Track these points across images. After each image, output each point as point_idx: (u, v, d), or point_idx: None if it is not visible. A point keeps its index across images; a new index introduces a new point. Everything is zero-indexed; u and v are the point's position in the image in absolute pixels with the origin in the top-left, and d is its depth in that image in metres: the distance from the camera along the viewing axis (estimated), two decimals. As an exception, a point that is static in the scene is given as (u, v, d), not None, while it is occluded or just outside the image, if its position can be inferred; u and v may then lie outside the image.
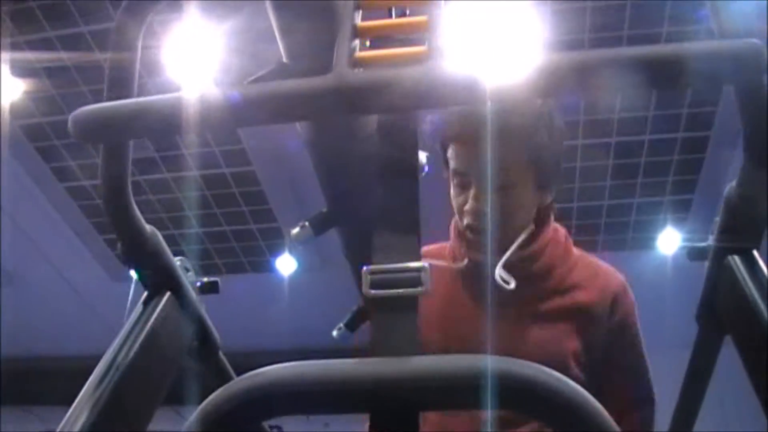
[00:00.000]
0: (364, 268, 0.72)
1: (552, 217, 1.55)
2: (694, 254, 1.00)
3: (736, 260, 0.91)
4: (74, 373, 1.67)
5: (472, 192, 1.43)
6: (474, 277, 1.51)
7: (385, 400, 0.63)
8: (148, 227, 1.06)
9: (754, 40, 0.69)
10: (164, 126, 0.87)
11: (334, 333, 1.49)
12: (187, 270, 1.16)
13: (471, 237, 1.48)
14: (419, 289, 0.71)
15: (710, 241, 0.96)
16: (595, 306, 1.51)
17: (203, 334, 1.17)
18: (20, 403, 8.39)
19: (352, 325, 1.51)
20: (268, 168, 7.02)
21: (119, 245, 1.06)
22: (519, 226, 1.49)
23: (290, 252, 7.38)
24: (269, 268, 7.81)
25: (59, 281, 8.12)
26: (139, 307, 1.06)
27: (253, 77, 1.43)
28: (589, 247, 6.90)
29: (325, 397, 0.64)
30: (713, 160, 6.14)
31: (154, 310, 1.05)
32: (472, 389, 0.61)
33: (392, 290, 0.71)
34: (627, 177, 6.55)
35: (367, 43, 0.88)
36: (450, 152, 1.48)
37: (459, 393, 0.62)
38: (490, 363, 0.61)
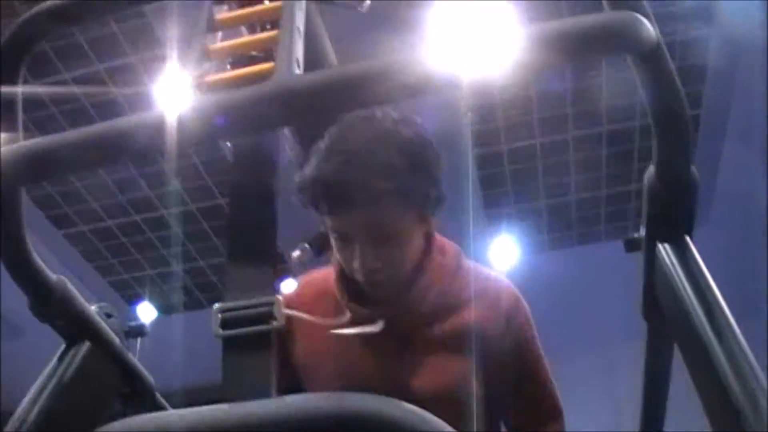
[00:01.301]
0: (215, 306, 0.67)
1: (434, 241, 1.45)
2: (631, 246, 0.94)
3: (666, 249, 0.84)
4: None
5: (357, 252, 1.33)
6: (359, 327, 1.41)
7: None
8: (55, 276, 1.03)
9: (632, 13, 0.64)
10: (48, 168, 0.82)
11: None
12: (109, 316, 1.12)
13: (366, 287, 1.40)
14: (272, 324, 0.66)
15: (642, 231, 0.90)
16: (486, 323, 1.42)
17: (133, 380, 1.13)
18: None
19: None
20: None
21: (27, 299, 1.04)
22: (412, 265, 1.40)
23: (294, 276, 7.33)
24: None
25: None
26: (54, 360, 1.02)
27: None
28: (589, 237, 6.92)
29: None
30: (704, 147, 6.06)
31: (71, 362, 1.01)
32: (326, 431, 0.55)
33: (243, 329, 0.66)
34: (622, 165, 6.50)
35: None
36: (323, 213, 1.38)
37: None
38: (343, 402, 0.55)
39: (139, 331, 1.16)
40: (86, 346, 1.03)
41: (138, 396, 1.15)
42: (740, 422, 0.67)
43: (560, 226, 7.34)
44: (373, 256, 1.33)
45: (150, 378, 1.17)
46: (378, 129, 1.31)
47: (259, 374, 0.64)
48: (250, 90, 0.62)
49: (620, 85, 5.70)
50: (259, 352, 0.65)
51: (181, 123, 0.62)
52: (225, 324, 0.67)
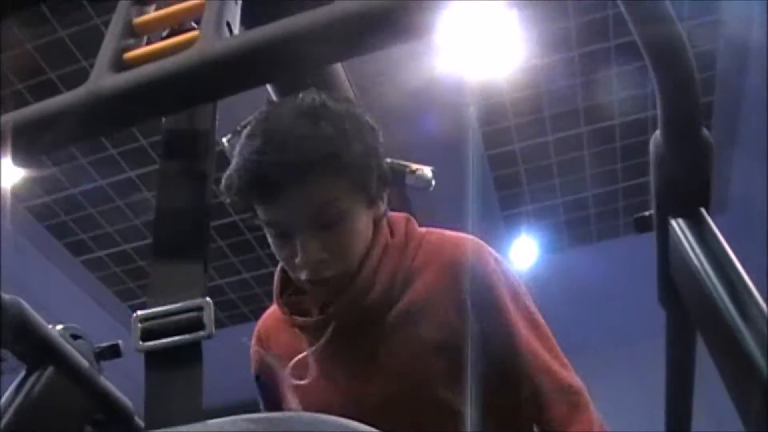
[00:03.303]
0: (133, 315, 0.58)
1: (383, 227, 1.28)
2: (641, 225, 0.84)
3: (681, 224, 0.74)
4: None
5: (298, 243, 1.18)
6: (314, 336, 1.26)
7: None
8: (8, 297, 0.95)
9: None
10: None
11: None
12: (76, 337, 1.03)
13: (311, 288, 1.24)
14: (201, 333, 0.57)
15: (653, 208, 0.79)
16: (443, 289, 1.24)
17: (106, 405, 1.04)
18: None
19: None
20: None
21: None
22: (361, 253, 1.23)
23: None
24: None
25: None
26: (11, 389, 0.93)
27: (245, 121, 1.29)
28: (609, 233, 6.82)
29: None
30: (720, 126, 5.95)
31: (32, 389, 0.94)
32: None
33: (168, 339, 0.57)
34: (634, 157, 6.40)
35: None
36: (255, 204, 1.24)
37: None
38: (275, 425, 0.46)
39: (112, 352, 1.07)
40: (50, 370, 0.96)
41: (114, 422, 1.06)
42: None
43: (578, 223, 7.23)
44: (317, 246, 1.18)
45: (127, 402, 1.08)
46: (302, 104, 1.18)
47: (185, 393, 0.55)
48: (167, 62, 0.54)
49: (631, 77, 5.61)
50: (187, 367, 0.56)
51: (94, 104, 0.54)
52: (146, 335, 0.57)
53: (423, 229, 1.33)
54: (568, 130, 6.22)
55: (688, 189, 0.73)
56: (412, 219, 1.34)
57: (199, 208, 0.62)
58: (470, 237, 1.31)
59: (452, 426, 1.14)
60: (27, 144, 0.58)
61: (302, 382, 1.26)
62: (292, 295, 1.29)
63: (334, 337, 1.22)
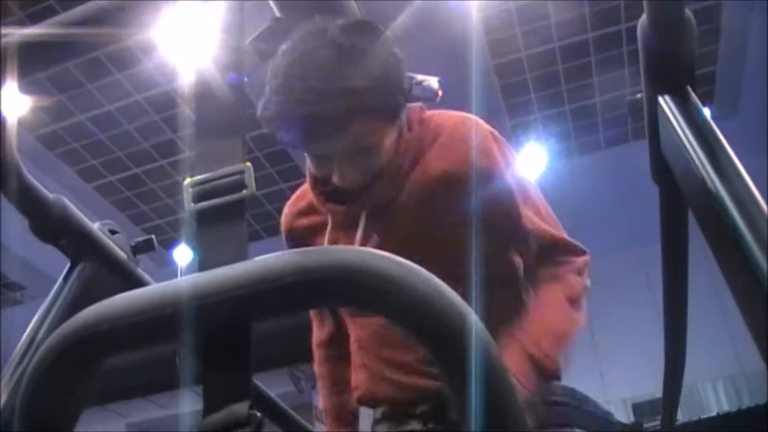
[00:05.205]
0: (185, 182, 0.66)
1: (403, 125, 1.36)
2: (633, 107, 0.89)
3: (668, 101, 0.79)
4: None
5: (335, 169, 1.28)
6: (345, 225, 1.37)
7: (213, 313, 0.56)
8: (52, 196, 1.02)
9: None
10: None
11: None
12: (113, 232, 1.12)
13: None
14: (243, 193, 0.65)
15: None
16: (459, 169, 1.35)
17: None
18: (100, 402, 8.61)
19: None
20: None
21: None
22: (388, 157, 1.33)
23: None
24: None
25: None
26: (60, 280, 1.02)
27: (252, 36, 1.33)
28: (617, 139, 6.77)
29: (147, 326, 0.56)
30: (729, 28, 5.90)
31: (77, 279, 1.02)
32: (309, 285, 0.53)
33: (215, 199, 0.65)
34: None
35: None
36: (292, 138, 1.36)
37: (293, 291, 0.54)
38: (323, 255, 0.53)
39: (147, 245, 1.15)
40: (92, 263, 1.04)
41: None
42: (759, 281, 0.62)
43: (587, 130, 7.24)
44: (352, 170, 1.28)
45: None
46: (332, 46, 1.25)
47: (234, 241, 0.63)
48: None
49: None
50: (233, 221, 0.64)
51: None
52: (196, 197, 0.65)
53: (430, 112, 1.42)
54: (574, 36, 6.18)
55: (674, 67, 0.78)
56: (425, 108, 1.42)
57: (234, 87, 0.68)
58: (468, 115, 1.41)
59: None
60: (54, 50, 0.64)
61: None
62: (326, 185, 1.40)
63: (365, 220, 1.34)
